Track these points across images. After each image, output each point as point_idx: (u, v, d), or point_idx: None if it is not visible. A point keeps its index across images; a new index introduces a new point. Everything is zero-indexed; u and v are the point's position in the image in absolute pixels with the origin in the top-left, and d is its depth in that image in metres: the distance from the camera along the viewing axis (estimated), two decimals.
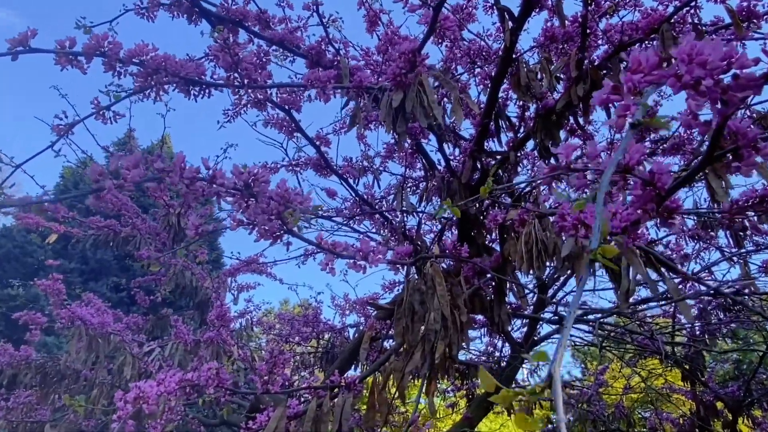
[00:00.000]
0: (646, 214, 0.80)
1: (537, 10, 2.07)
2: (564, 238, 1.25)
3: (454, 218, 2.51)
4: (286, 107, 2.02)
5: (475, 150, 2.25)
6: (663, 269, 1.13)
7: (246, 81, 1.33)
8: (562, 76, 2.20)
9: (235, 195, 0.93)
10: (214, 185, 0.90)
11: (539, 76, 2.15)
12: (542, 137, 2.17)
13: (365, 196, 2.69)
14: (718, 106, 0.62)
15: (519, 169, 2.46)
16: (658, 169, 0.76)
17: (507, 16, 1.99)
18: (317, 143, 2.30)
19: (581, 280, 0.41)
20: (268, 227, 1.00)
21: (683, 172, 1.67)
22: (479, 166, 2.36)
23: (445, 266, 1.46)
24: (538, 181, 1.40)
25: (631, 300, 1.75)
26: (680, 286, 1.90)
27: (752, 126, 0.69)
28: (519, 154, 2.39)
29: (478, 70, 2.24)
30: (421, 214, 2.58)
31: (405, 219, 2.56)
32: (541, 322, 2.79)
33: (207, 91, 1.38)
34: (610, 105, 0.54)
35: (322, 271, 1.21)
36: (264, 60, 1.98)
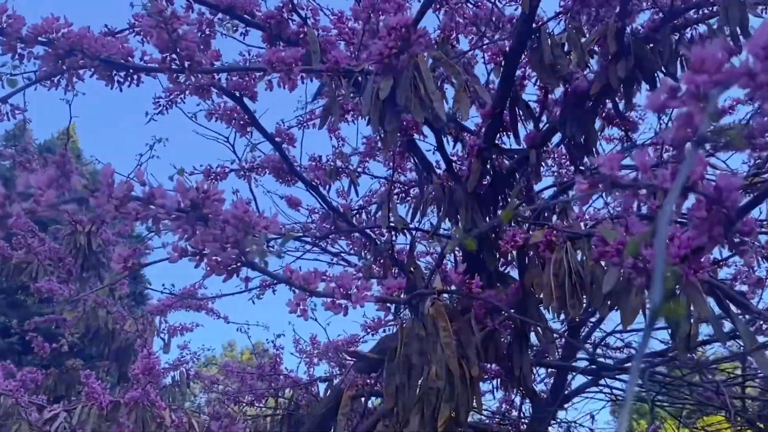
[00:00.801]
0: (713, 239, 0.83)
1: None
2: (605, 267, 1.28)
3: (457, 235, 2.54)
4: (237, 93, 2.03)
5: (484, 148, 2.29)
6: (732, 306, 1.16)
7: (187, 64, 1.35)
8: (596, 50, 2.25)
9: (179, 219, 0.94)
10: (152, 206, 0.91)
11: (567, 51, 2.20)
12: (572, 130, 2.21)
13: (340, 208, 2.71)
14: None
15: (542, 170, 2.51)
16: (725, 184, 0.80)
17: None
18: (278, 141, 2.32)
19: (645, 332, 0.44)
20: (222, 258, 1.01)
21: (753, 178, 1.72)
22: (490, 168, 2.39)
23: (448, 302, 1.48)
24: (573, 200, 1.43)
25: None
26: (755, 328, 1.95)
27: None
28: (542, 152, 2.43)
29: (487, 42, 2.28)
30: (414, 232, 2.61)
31: (393, 238, 2.58)
32: (572, 373, 2.82)
33: (135, 77, 1.39)
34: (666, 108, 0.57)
35: (292, 313, 1.22)
36: (208, 33, 2.00)
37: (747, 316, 1.27)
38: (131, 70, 1.37)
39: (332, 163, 3.09)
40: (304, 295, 1.15)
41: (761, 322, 1.33)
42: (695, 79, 0.53)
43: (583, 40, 2.23)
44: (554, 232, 1.44)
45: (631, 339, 3.79)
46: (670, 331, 1.29)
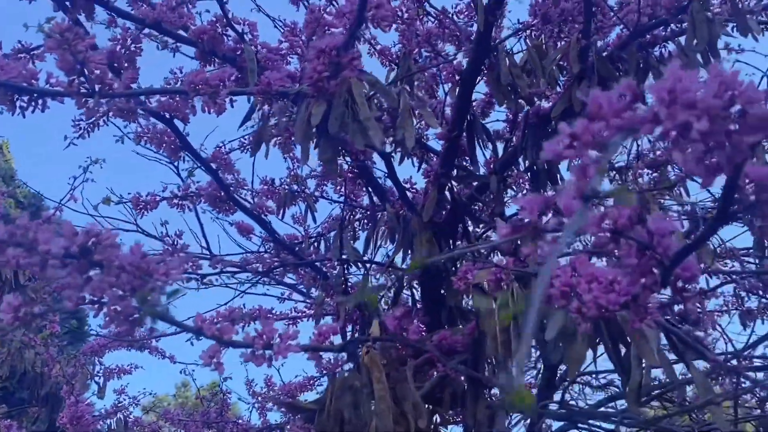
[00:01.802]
0: (647, 289, 0.83)
1: None
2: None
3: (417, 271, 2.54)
4: (167, 115, 2.02)
5: (441, 173, 2.30)
6: (689, 353, 1.17)
7: (97, 87, 1.33)
8: (559, 69, 2.28)
9: (69, 265, 0.92)
10: (37, 253, 0.89)
11: (528, 71, 2.23)
12: (533, 155, 2.23)
13: (288, 237, 2.70)
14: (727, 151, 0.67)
15: (506, 197, 2.52)
16: (657, 228, 0.80)
17: None
18: (213, 166, 2.31)
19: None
20: (122, 308, 0.99)
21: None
22: (448, 196, 2.40)
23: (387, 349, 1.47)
24: (498, 244, 1.44)
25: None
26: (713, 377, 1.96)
27: None
28: (506, 178, 2.44)
29: (443, 61, 2.30)
30: (369, 265, 2.60)
31: (347, 271, 2.57)
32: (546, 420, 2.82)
33: (40, 102, 1.37)
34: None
35: (206, 367, 1.21)
36: (133, 50, 1.99)
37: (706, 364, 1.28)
38: (35, 95, 1.36)
39: (286, 187, 3.06)
40: (218, 347, 1.14)
41: (720, 371, 1.34)
42: (590, 127, 0.54)
43: (544, 60, 2.25)
44: (503, 271, 1.44)
45: (612, 377, 3.81)
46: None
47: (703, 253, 1.51)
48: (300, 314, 3.17)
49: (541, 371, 3.34)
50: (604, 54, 2.25)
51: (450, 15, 2.33)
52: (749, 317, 3.08)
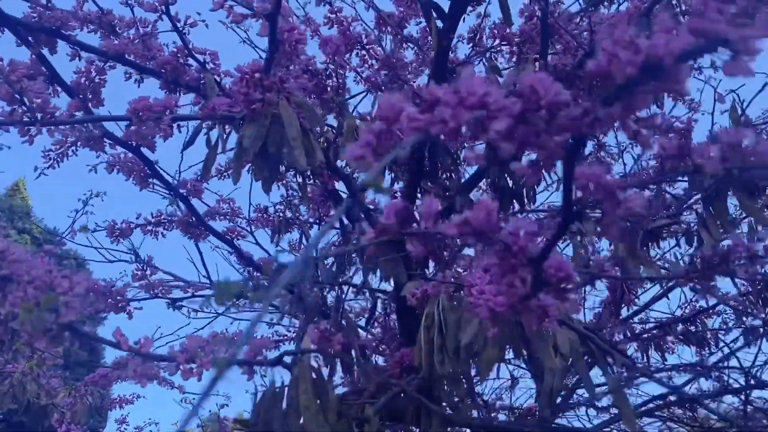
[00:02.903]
0: (512, 288, 0.87)
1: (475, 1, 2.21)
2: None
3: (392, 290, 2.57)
4: (133, 144, 2.08)
5: (406, 195, 2.34)
6: (602, 357, 1.19)
7: (39, 116, 1.39)
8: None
9: None
10: None
11: None
12: (495, 174, 2.27)
13: (260, 262, 2.74)
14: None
15: None
16: (517, 229, 0.84)
17: (434, 13, 2.11)
18: (183, 193, 2.36)
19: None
20: (34, 324, 1.04)
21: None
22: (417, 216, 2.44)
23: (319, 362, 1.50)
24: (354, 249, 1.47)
25: None
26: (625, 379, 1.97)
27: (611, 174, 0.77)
28: (471, 198, 2.47)
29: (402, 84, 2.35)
30: (344, 287, 2.63)
31: (324, 293, 2.60)
32: None
33: None
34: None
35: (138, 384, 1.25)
36: (98, 81, 2.06)
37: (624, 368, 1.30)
38: None
39: (281, 215, 3.11)
40: (140, 364, 1.18)
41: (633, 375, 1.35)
42: (374, 129, 0.58)
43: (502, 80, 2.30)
44: (439, 284, 1.47)
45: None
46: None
47: (644, 261, 1.53)
48: (282, 337, 3.20)
49: (540, 394, 3.35)
50: (562, 73, 2.29)
51: (411, 40, 2.39)
52: (753, 334, 3.07)
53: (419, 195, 2.38)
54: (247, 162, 1.43)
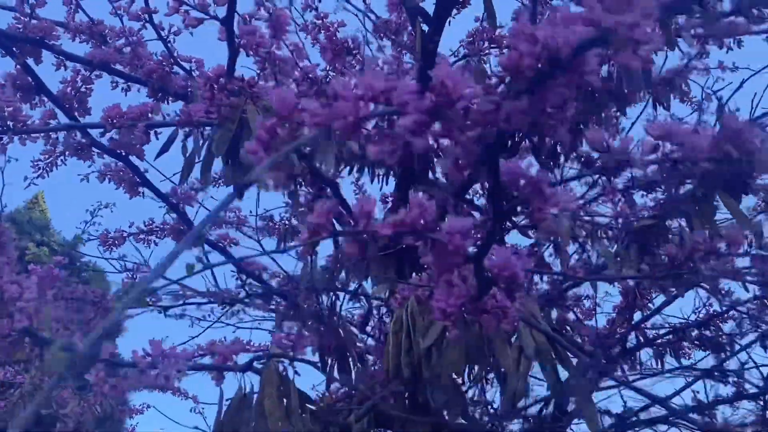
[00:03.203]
0: (448, 286, 0.86)
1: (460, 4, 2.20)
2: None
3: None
4: (121, 152, 2.09)
5: (398, 199, 2.33)
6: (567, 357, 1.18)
7: (10, 124, 1.40)
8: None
9: None
10: None
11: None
12: (483, 176, 2.25)
13: (256, 267, 2.74)
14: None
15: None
16: (450, 227, 0.83)
17: (420, 18, 2.11)
18: (175, 202, 2.37)
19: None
20: None
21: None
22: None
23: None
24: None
25: None
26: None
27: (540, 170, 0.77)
28: (464, 201, 2.46)
29: None
30: (336, 293, 2.63)
31: (323, 300, 2.60)
32: None
33: None
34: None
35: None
36: (84, 91, 2.07)
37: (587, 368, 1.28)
38: None
39: (286, 223, 3.11)
40: (102, 367, 1.18)
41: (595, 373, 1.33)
42: (265, 124, 0.57)
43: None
44: (418, 287, 1.47)
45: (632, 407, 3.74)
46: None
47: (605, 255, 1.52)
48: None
49: (552, 405, 3.33)
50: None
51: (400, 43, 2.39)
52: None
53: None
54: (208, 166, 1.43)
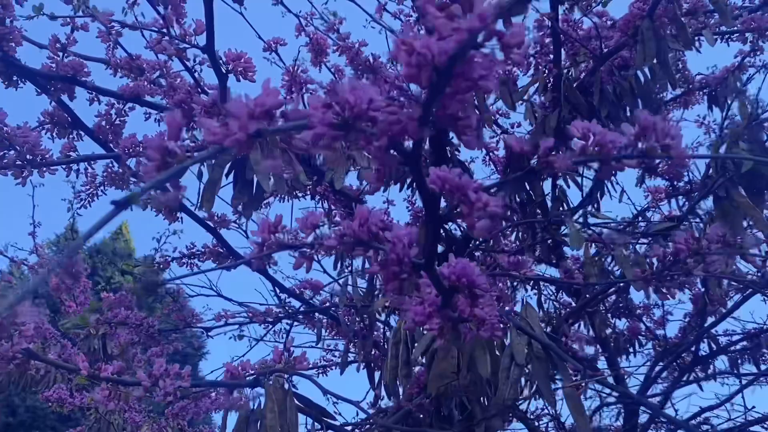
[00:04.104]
0: (393, 292, 0.87)
1: None
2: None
3: None
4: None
5: (428, 218, 2.34)
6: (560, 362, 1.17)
7: (29, 158, 1.48)
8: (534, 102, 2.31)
9: None
10: None
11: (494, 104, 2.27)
12: (509, 190, 2.24)
13: (296, 289, 2.79)
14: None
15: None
16: (393, 236, 0.85)
17: None
18: (211, 225, 2.44)
19: None
20: None
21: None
22: (443, 233, 2.44)
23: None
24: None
25: None
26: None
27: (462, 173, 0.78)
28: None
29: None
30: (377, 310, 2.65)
31: (355, 316, 2.63)
32: None
33: None
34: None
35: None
36: (118, 123, 2.17)
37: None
38: None
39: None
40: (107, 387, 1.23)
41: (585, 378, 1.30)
42: (154, 143, 0.61)
43: (516, 92, 2.29)
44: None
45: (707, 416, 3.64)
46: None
47: (622, 261, 1.49)
48: (328, 363, 3.24)
49: (622, 413, 3.27)
50: (576, 83, 2.26)
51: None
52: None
53: None
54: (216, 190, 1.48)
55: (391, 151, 0.73)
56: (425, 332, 1.23)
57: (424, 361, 1.43)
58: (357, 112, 0.68)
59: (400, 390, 1.96)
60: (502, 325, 1.22)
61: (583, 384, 1.17)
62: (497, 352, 1.26)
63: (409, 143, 0.74)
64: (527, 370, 1.19)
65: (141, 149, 1.60)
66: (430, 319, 1.02)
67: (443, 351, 1.15)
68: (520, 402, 1.60)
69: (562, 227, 2.02)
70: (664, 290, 1.20)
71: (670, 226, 1.68)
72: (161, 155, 0.61)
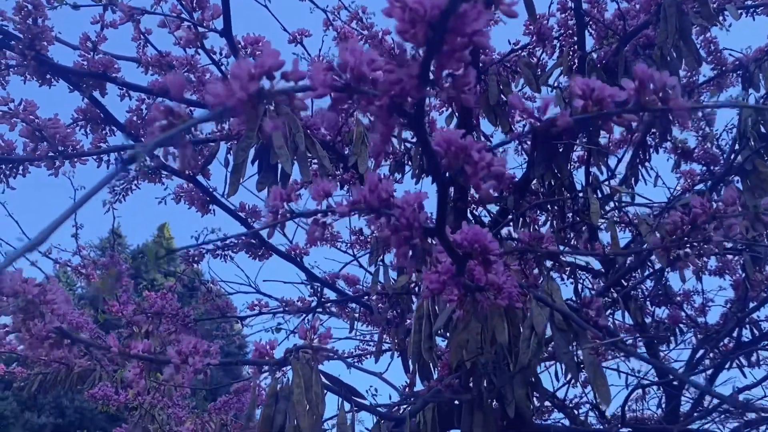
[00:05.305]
0: (402, 258, 0.88)
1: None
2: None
3: None
4: (189, 173, 2.21)
5: (456, 198, 2.35)
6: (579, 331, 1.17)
7: (60, 149, 1.52)
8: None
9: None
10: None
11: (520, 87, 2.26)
12: (540, 171, 2.24)
13: (327, 278, 2.82)
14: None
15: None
16: (403, 201, 0.86)
17: None
18: (242, 216, 2.48)
19: None
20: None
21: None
22: (472, 219, 2.45)
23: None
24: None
25: None
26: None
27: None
28: (522, 199, 2.45)
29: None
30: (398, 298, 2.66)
31: (387, 305, 2.65)
32: None
33: (20, 168, 1.57)
34: None
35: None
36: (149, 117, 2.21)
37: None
38: (14, 163, 1.57)
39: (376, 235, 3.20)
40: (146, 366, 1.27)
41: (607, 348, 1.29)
42: (159, 107, 0.63)
43: (542, 74, 2.29)
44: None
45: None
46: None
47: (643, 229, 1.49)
48: (363, 352, 3.27)
49: (663, 400, 3.25)
50: (600, 64, 2.25)
51: None
52: None
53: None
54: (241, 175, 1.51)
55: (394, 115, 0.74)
56: (447, 305, 1.24)
57: (447, 335, 1.44)
58: (357, 73, 0.69)
59: (434, 373, 1.97)
60: (522, 296, 1.23)
61: (603, 349, 1.17)
62: (520, 327, 1.27)
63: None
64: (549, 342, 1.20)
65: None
66: (445, 287, 1.04)
67: (462, 322, 1.16)
68: (542, 370, 1.60)
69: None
70: (682, 258, 1.19)
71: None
72: (164, 116, 0.63)
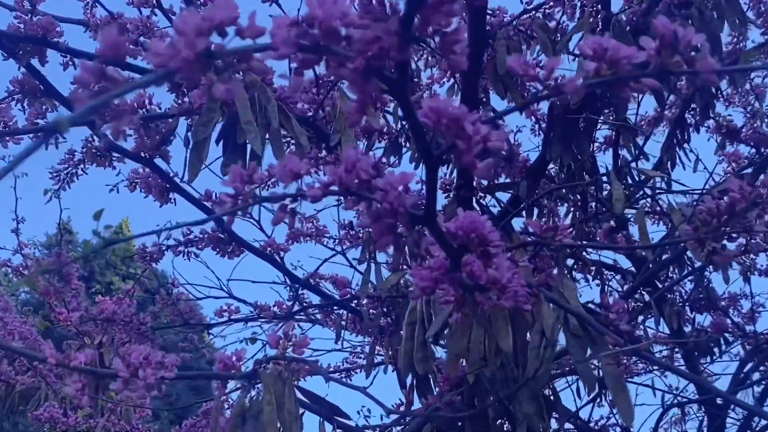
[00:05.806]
0: (383, 245, 0.88)
1: None
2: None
3: None
4: (144, 156, 2.19)
5: (460, 185, 2.34)
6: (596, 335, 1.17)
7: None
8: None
9: None
10: None
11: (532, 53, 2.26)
12: (558, 151, 2.23)
13: (311, 280, 2.81)
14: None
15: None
16: (387, 182, 0.85)
17: None
18: (210, 206, 2.45)
19: None
20: None
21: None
22: (477, 207, 2.44)
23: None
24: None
25: None
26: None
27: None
28: (536, 185, 2.44)
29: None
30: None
31: (379, 308, 2.64)
32: None
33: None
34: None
35: None
36: (99, 90, 2.20)
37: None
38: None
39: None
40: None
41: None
42: (90, 67, 0.62)
43: (561, 40, 2.28)
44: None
45: None
46: None
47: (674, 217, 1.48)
48: (352, 365, 3.27)
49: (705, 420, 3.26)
50: (629, 28, 2.24)
51: None
52: None
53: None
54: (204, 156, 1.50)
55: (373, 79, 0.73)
56: (443, 308, 1.24)
57: (442, 342, 1.44)
58: (327, 28, 0.68)
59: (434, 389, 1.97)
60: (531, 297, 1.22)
61: (623, 357, 1.17)
62: (529, 333, 1.27)
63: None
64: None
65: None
66: (438, 285, 1.03)
67: (461, 327, 1.16)
68: (562, 387, 1.59)
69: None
70: (720, 252, 1.19)
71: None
72: (96, 78, 0.63)
